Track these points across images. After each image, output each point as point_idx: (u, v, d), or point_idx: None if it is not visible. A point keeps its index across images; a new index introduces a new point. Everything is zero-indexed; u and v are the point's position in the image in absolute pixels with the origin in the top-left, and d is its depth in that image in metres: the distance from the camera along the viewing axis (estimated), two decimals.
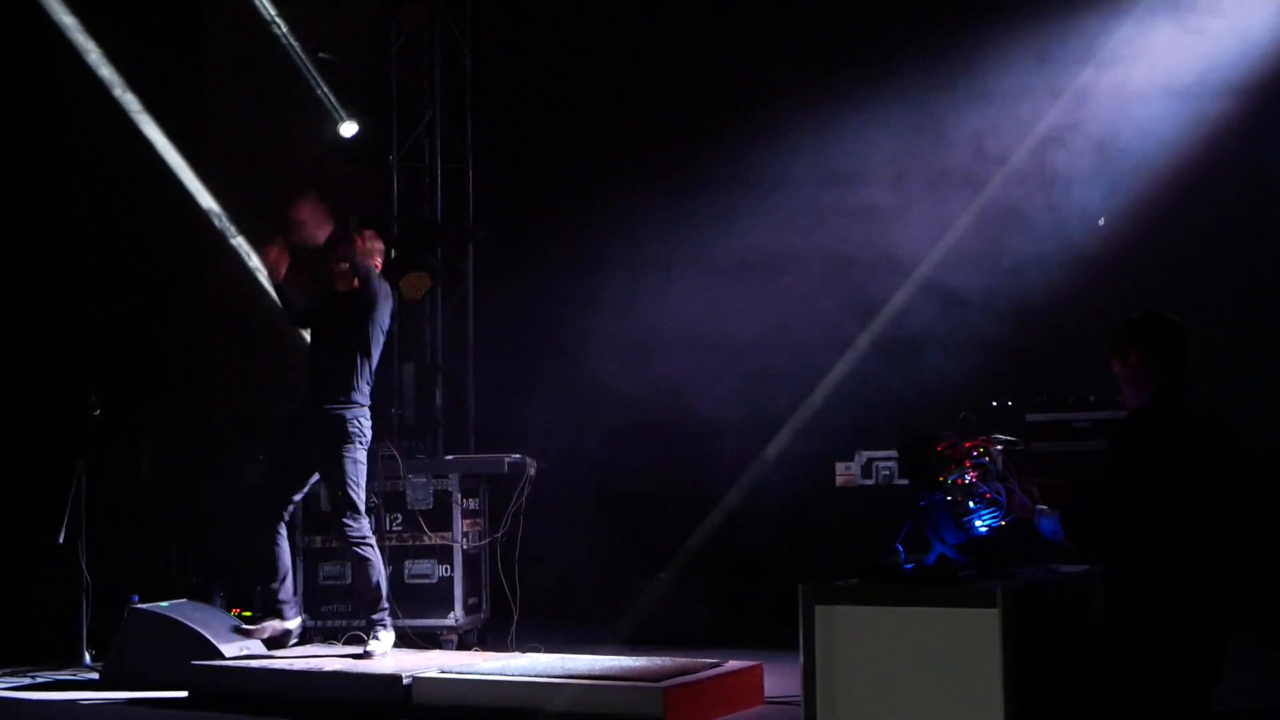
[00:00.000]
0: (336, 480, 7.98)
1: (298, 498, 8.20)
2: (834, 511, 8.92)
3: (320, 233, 8.10)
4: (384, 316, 8.19)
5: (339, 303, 8.21)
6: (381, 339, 8.20)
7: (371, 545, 8.04)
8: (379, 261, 8.28)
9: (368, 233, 8.32)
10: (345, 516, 7.96)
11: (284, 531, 8.08)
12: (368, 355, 8.10)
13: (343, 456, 7.96)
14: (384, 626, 8.03)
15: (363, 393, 8.13)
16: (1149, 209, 9.30)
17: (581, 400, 10.39)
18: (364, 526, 8.03)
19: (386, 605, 8.08)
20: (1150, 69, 9.28)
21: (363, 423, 8.09)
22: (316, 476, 8.14)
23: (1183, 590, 4.84)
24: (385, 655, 7.92)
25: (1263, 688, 6.64)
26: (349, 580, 9.09)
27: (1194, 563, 4.85)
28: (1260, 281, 9.21)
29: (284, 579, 8.10)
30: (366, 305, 8.07)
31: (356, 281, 8.11)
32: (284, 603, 8.12)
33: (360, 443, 8.06)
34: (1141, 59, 9.28)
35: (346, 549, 8.04)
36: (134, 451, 10.14)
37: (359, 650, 7.96)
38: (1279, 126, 9.17)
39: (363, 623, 8.23)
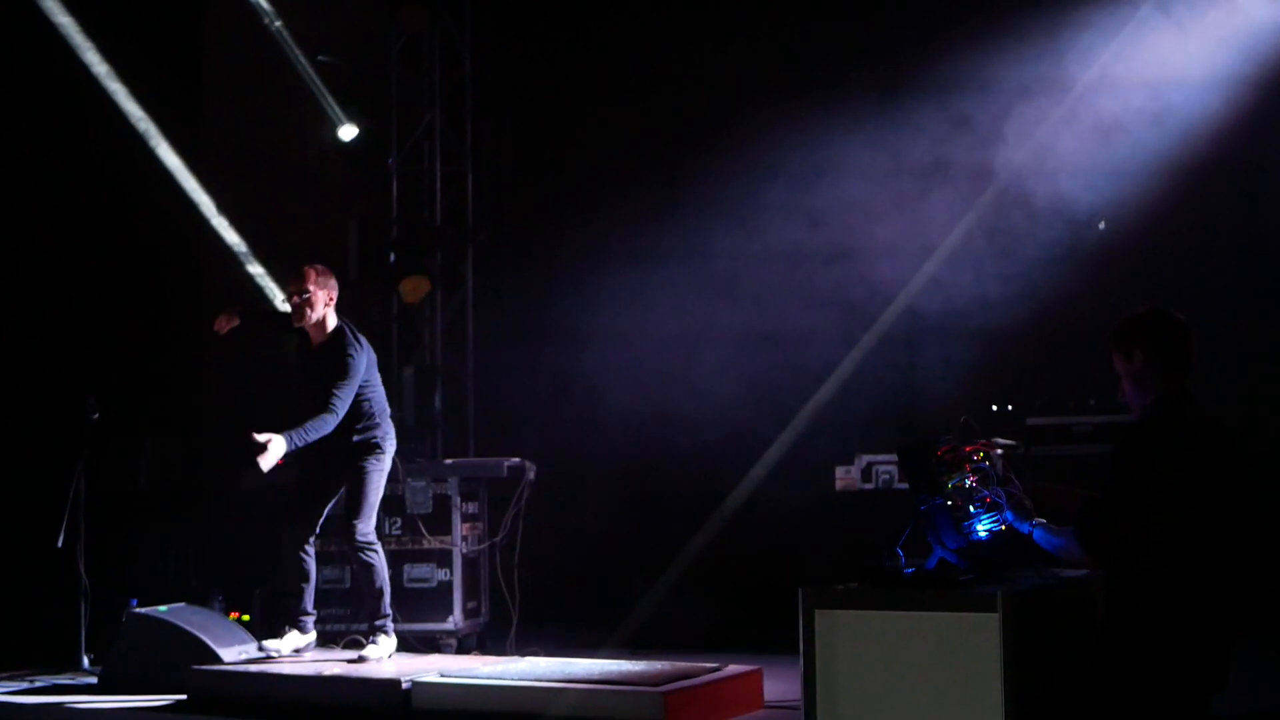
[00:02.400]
0: (357, 486, 7.98)
1: (326, 511, 8.15)
2: (834, 515, 8.91)
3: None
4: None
5: (319, 357, 8.13)
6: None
7: (377, 551, 8.02)
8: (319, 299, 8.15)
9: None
10: (356, 520, 7.95)
11: (311, 546, 8.06)
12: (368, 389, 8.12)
13: (367, 468, 7.99)
14: (384, 632, 8.02)
15: (381, 411, 8.14)
16: (1149, 212, 9.29)
17: (581, 404, 10.38)
18: (372, 532, 8.02)
19: (388, 611, 8.07)
20: (1152, 66, 9.26)
21: (387, 435, 8.12)
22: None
23: (1184, 596, 4.82)
24: (382, 660, 7.91)
25: (1264, 693, 6.63)
26: (348, 584, 9.09)
27: (1195, 569, 4.84)
28: (1261, 285, 9.20)
29: (309, 592, 8.09)
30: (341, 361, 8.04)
31: (314, 324, 8.08)
32: (307, 615, 8.10)
33: (386, 453, 8.09)
34: (1144, 56, 9.27)
35: (351, 553, 8.01)
36: (132, 454, 10.13)
37: (355, 655, 7.95)
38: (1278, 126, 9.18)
39: (364, 627, 8.24)
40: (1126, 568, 4.93)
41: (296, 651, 8.04)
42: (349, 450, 8.00)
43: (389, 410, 8.21)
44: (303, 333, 8.17)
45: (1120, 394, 5.22)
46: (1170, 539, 4.82)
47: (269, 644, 7.99)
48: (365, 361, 8.05)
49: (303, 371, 8.22)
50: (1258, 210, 9.24)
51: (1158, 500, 4.84)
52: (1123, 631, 4.92)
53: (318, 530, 8.07)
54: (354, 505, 7.95)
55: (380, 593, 8.01)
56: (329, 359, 8.00)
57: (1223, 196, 9.25)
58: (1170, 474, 4.86)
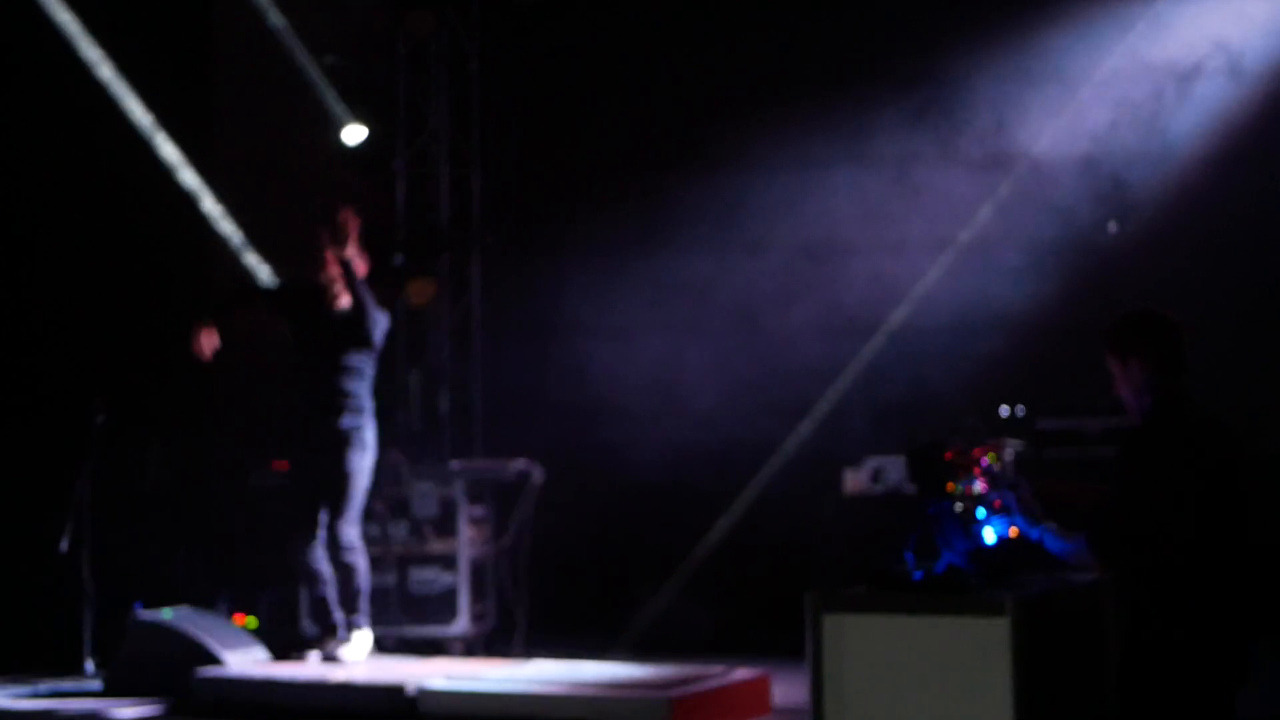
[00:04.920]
0: (340, 487, 7.95)
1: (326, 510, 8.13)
2: (842, 519, 8.87)
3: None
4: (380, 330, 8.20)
5: (334, 322, 8.14)
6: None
7: (360, 554, 8.02)
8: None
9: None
10: (340, 522, 7.93)
11: (321, 547, 8.03)
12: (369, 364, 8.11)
13: (350, 467, 7.94)
14: (358, 627, 7.99)
15: (369, 397, 8.10)
16: (1159, 213, 9.24)
17: (588, 406, 10.34)
18: (356, 535, 8.00)
19: (364, 608, 8.04)
20: (1161, 71, 9.23)
21: (369, 427, 8.08)
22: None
23: (1199, 596, 4.80)
24: (355, 661, 7.89)
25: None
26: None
27: (1207, 569, 4.82)
28: (1271, 285, 9.12)
29: (330, 593, 8.07)
30: (363, 325, 8.05)
31: (347, 299, 8.10)
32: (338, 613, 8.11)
33: (369, 448, 8.04)
34: (1157, 50, 9.23)
35: (335, 554, 7.99)
36: (139, 458, 10.11)
37: (328, 654, 7.91)
38: None
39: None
40: (1139, 571, 4.90)
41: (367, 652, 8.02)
42: (332, 438, 7.93)
43: (374, 405, 8.17)
44: (313, 296, 8.13)
45: (1114, 393, 5.20)
46: (1180, 540, 4.81)
47: (342, 654, 7.92)
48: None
49: (313, 325, 8.15)
50: (1271, 207, 9.15)
51: (1165, 501, 4.82)
52: (1143, 635, 4.89)
53: (321, 531, 8.03)
54: (339, 510, 7.92)
55: (358, 592, 8.00)
56: (356, 316, 8.01)
57: (1235, 195, 9.16)
58: (1175, 474, 4.84)
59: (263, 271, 10.87)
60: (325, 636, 8.07)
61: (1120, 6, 9.26)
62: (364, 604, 8.03)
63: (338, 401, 7.97)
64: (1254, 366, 8.77)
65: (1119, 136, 9.34)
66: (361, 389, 8.05)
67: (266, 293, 8.44)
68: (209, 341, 8.14)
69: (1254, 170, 9.14)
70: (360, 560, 8.00)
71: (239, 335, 8.40)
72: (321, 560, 8.02)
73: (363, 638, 8.01)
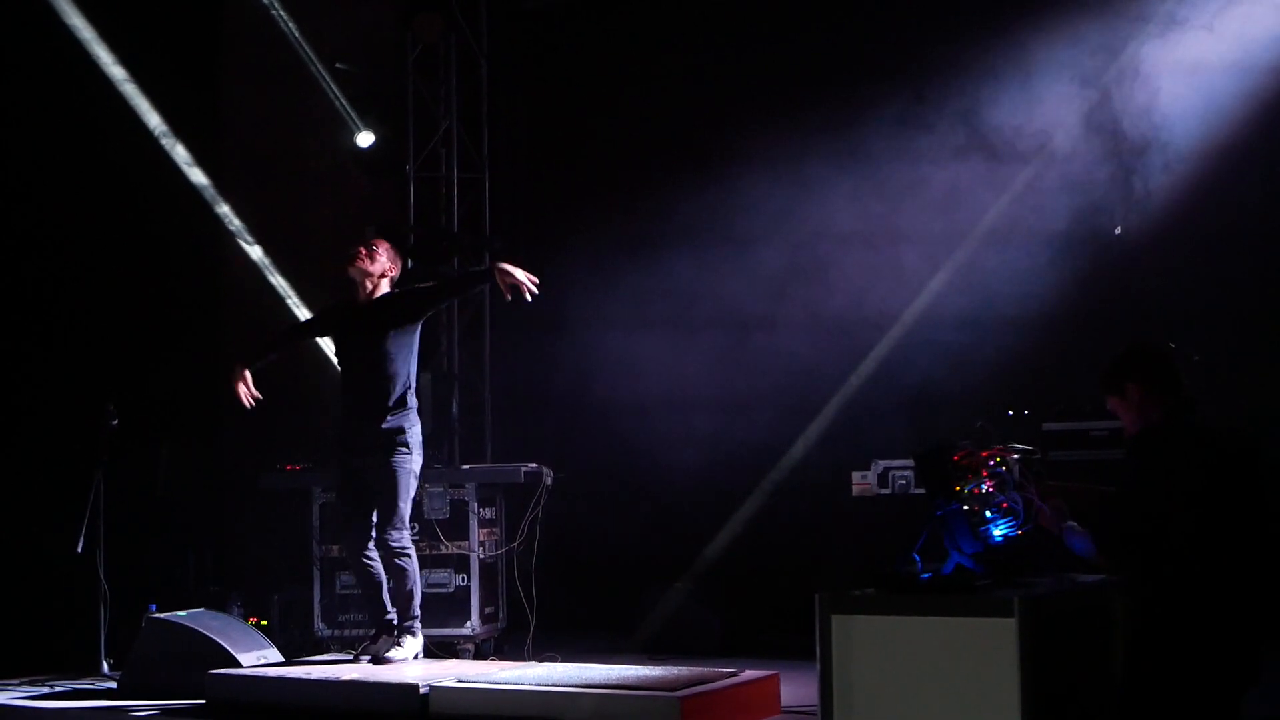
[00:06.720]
0: (388, 491, 7.98)
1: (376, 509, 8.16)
2: (851, 521, 8.91)
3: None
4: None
5: (368, 314, 8.21)
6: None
7: (410, 556, 8.06)
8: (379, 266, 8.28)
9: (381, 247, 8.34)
10: (389, 528, 7.96)
11: (372, 551, 8.08)
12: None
13: (396, 469, 7.99)
14: (411, 633, 8.06)
15: (411, 399, 8.15)
16: (1165, 215, 9.27)
17: (597, 409, 10.38)
18: (405, 537, 8.04)
19: (417, 613, 8.11)
20: (1168, 76, 9.25)
21: (414, 427, 8.13)
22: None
23: (1209, 596, 4.85)
24: (406, 661, 7.96)
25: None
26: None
27: (1218, 569, 4.86)
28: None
29: (385, 596, 8.13)
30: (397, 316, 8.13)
31: (368, 276, 8.19)
32: (389, 614, 8.16)
33: (414, 451, 8.08)
34: (1161, 65, 9.25)
35: (387, 557, 8.04)
36: (151, 460, 10.16)
37: (380, 656, 7.98)
38: None
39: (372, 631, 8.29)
40: (1148, 569, 4.95)
41: (417, 656, 8.10)
42: (379, 441, 7.97)
43: (417, 405, 8.22)
44: (345, 304, 8.22)
45: (1126, 434, 5.29)
46: (1185, 536, 4.86)
47: (392, 654, 7.98)
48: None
49: (349, 328, 8.19)
50: (1273, 217, 9.15)
51: (1172, 498, 4.88)
52: (1151, 634, 4.94)
53: (372, 534, 8.07)
54: (386, 513, 7.96)
55: (410, 595, 8.05)
56: (391, 304, 8.09)
57: (1244, 194, 9.13)
58: (1183, 471, 4.90)
59: (270, 272, 10.94)
60: (379, 636, 8.12)
61: (1126, 2, 9.29)
62: (416, 608, 8.08)
63: (381, 400, 7.98)
64: (1262, 365, 8.80)
65: (1126, 134, 9.36)
66: (403, 378, 8.04)
67: (307, 324, 8.56)
68: (246, 393, 8.14)
69: (1263, 167, 9.15)
70: (410, 563, 8.03)
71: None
72: (376, 562, 8.08)
73: (414, 639, 8.06)
